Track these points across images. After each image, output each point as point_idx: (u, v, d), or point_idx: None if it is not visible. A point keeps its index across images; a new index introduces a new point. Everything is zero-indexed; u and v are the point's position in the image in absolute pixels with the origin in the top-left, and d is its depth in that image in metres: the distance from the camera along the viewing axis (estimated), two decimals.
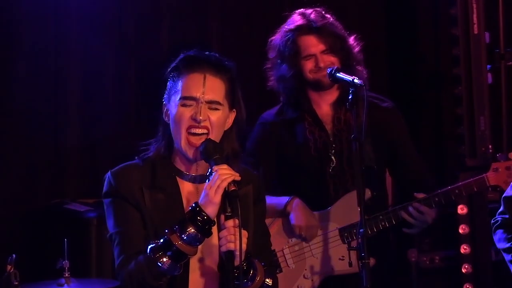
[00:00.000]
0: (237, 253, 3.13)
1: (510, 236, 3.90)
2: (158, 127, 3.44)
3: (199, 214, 3.16)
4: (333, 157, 4.49)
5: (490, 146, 5.69)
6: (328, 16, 4.51)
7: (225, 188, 3.16)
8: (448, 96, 6.13)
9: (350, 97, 4.04)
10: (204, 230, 3.18)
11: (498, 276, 5.29)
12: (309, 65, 4.45)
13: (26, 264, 4.45)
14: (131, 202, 3.31)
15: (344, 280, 4.41)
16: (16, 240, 5.75)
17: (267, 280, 3.39)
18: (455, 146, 5.94)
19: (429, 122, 6.48)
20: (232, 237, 3.15)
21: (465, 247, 5.45)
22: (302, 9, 4.53)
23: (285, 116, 4.57)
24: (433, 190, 4.45)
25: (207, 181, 3.21)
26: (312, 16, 4.47)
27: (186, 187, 3.37)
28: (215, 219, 3.21)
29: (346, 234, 4.42)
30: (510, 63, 5.80)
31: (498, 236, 3.96)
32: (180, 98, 3.30)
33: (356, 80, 4.13)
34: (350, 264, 4.26)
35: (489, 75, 5.73)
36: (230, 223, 3.16)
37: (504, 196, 3.98)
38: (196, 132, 3.29)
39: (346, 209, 4.36)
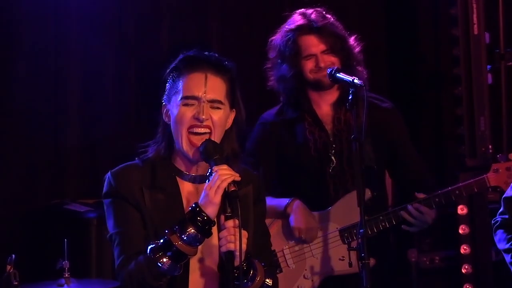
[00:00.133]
0: (237, 253, 3.13)
1: (510, 236, 3.90)
2: (157, 128, 3.43)
3: (199, 214, 3.16)
4: (333, 157, 4.48)
5: (490, 146, 5.69)
6: (329, 16, 4.50)
7: (225, 189, 3.16)
8: (448, 96, 6.13)
9: (350, 98, 4.04)
10: (204, 230, 3.17)
11: (498, 276, 5.29)
12: (309, 65, 4.45)
13: (26, 264, 4.45)
14: (131, 202, 3.30)
15: (344, 281, 4.41)
16: (16, 240, 5.75)
17: (267, 280, 3.38)
18: (455, 146, 5.94)
19: (429, 122, 6.48)
20: (232, 237, 3.15)
21: (465, 247, 5.45)
22: (303, 9, 4.53)
23: (285, 116, 4.56)
24: (433, 190, 4.45)
25: (207, 182, 3.21)
26: (313, 16, 4.47)
27: (186, 187, 3.36)
28: (215, 220, 3.20)
29: (346, 235, 4.42)
30: (510, 63, 5.80)
31: (499, 237, 3.96)
32: (181, 98, 3.30)
33: (356, 81, 4.13)
34: (350, 265, 4.26)
35: (489, 75, 5.73)
36: (230, 223, 3.16)
37: (504, 197, 3.98)
38: (198, 132, 3.28)
39: (347, 210, 4.36)
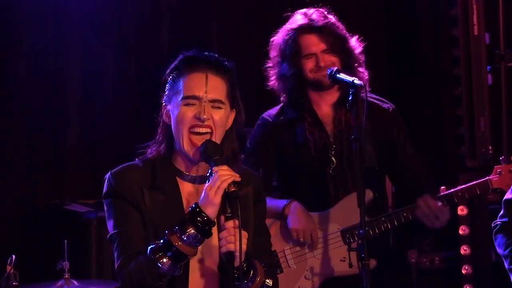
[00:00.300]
0: (237, 254, 3.12)
1: (509, 241, 3.90)
2: (157, 129, 3.43)
3: (199, 215, 3.16)
4: (333, 158, 4.48)
5: (490, 147, 5.69)
6: (330, 16, 4.50)
7: (225, 189, 3.15)
8: (448, 97, 6.13)
9: (350, 98, 4.03)
10: (204, 230, 3.17)
11: (498, 277, 5.29)
12: (309, 64, 4.44)
13: (26, 265, 4.45)
14: (131, 202, 3.30)
15: (345, 282, 4.40)
16: (16, 241, 5.75)
17: (268, 281, 3.38)
18: (455, 146, 5.94)
19: (429, 122, 6.48)
20: (232, 238, 3.14)
21: (465, 248, 5.45)
22: (304, 9, 4.53)
23: (285, 116, 4.55)
24: (431, 192, 4.44)
25: (207, 182, 3.20)
26: (314, 15, 4.46)
27: (186, 187, 3.36)
28: (215, 220, 3.20)
29: (348, 235, 4.41)
30: (510, 64, 5.80)
31: (498, 241, 3.95)
32: (182, 98, 3.30)
33: (356, 81, 4.13)
34: (350, 265, 4.25)
35: (489, 76, 5.73)
36: (230, 224, 3.16)
37: (505, 199, 3.97)
38: (200, 131, 3.28)
39: (348, 210, 4.35)
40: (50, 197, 5.91)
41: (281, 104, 4.59)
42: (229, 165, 3.23)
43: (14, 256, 4.14)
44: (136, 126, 6.17)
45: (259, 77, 4.77)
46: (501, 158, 4.45)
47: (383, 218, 4.40)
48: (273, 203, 4.38)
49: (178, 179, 3.36)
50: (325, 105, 4.54)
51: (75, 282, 4.57)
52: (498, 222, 3.98)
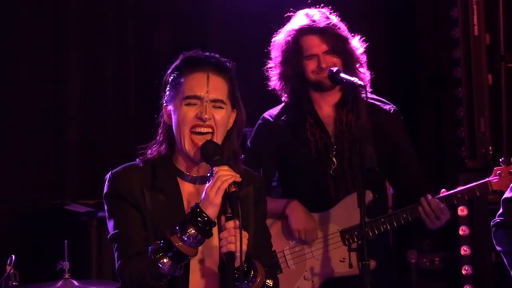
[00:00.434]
0: (238, 254, 3.12)
1: (508, 238, 3.90)
2: (157, 129, 3.43)
3: (199, 215, 3.16)
4: (334, 159, 4.47)
5: (490, 148, 5.69)
6: (332, 17, 4.50)
7: (225, 189, 3.15)
8: (448, 97, 6.13)
9: (350, 98, 4.03)
10: (205, 231, 3.17)
11: (498, 277, 5.30)
12: (311, 65, 4.44)
13: (26, 265, 4.45)
14: (132, 203, 3.30)
15: (344, 282, 4.40)
16: (16, 241, 5.75)
17: (268, 281, 3.38)
18: (455, 147, 5.94)
19: (430, 123, 6.48)
20: (232, 238, 3.14)
21: (465, 248, 5.45)
22: (306, 10, 4.53)
23: (286, 116, 4.55)
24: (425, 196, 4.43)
25: (207, 182, 3.20)
26: (316, 16, 4.46)
27: (186, 188, 3.36)
28: (216, 220, 3.20)
29: (347, 236, 4.40)
30: (510, 64, 5.80)
31: (497, 239, 3.95)
32: (183, 98, 3.29)
33: (356, 81, 4.13)
34: (351, 266, 4.25)
35: (489, 76, 5.73)
36: (230, 224, 3.16)
37: (504, 198, 3.98)
38: (201, 131, 3.28)
39: (348, 211, 4.35)
40: (50, 197, 5.91)
41: (283, 104, 4.59)
42: (229, 166, 3.23)
43: (14, 256, 4.14)
44: (136, 127, 6.17)
45: (259, 78, 4.77)
46: (500, 159, 4.45)
47: (382, 219, 4.40)
48: (274, 203, 4.38)
49: (178, 179, 3.36)
50: (326, 105, 4.54)
51: (75, 282, 4.57)
52: (497, 220, 3.98)
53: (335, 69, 4.33)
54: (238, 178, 3.18)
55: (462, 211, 5.35)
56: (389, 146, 4.54)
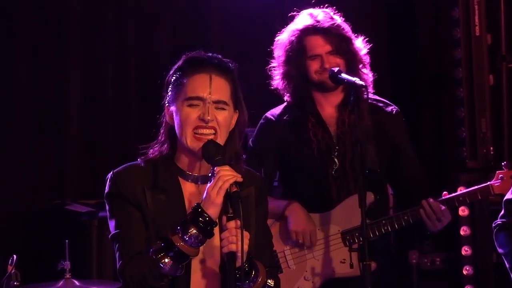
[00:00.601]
0: (239, 254, 3.12)
1: (509, 240, 3.90)
2: (159, 129, 3.42)
3: (200, 215, 3.15)
4: (336, 159, 4.47)
5: (491, 148, 5.69)
6: (336, 17, 4.49)
7: (227, 189, 3.15)
8: (449, 98, 6.12)
9: (351, 99, 4.02)
10: (206, 231, 3.17)
11: (499, 278, 5.29)
12: (314, 65, 4.44)
13: (27, 265, 4.45)
14: (133, 202, 3.29)
15: (345, 283, 4.39)
16: (17, 241, 5.75)
17: (269, 281, 3.38)
18: (456, 147, 5.94)
19: (430, 123, 6.48)
20: (233, 238, 3.14)
21: (466, 249, 5.45)
22: (310, 10, 4.52)
23: (289, 116, 4.54)
24: (426, 197, 4.42)
25: (209, 182, 3.20)
26: (320, 16, 4.45)
27: (188, 188, 3.35)
28: (217, 220, 3.20)
29: (348, 237, 4.40)
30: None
31: (499, 240, 3.96)
32: (186, 99, 3.29)
33: (357, 81, 4.13)
34: (351, 266, 4.25)
35: (491, 76, 5.73)
36: (231, 224, 3.15)
37: (505, 199, 3.98)
38: (204, 133, 3.27)
39: (349, 212, 4.35)
40: (51, 197, 5.91)
41: (285, 104, 4.58)
42: (231, 166, 3.23)
43: (15, 256, 4.14)
44: (136, 126, 6.17)
45: (259, 79, 4.76)
46: (503, 163, 4.45)
47: (383, 221, 4.40)
48: (274, 203, 4.37)
49: (180, 179, 3.35)
50: (329, 106, 4.53)
51: (76, 282, 4.57)
52: (498, 222, 3.98)
53: (336, 69, 4.33)
54: (239, 178, 3.18)
55: (463, 211, 5.35)
56: (390, 147, 4.53)
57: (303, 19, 4.48)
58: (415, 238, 5.65)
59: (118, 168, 3.37)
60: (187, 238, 3.15)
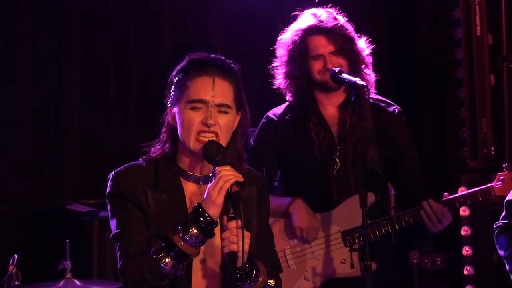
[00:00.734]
0: (240, 254, 3.12)
1: (509, 242, 3.89)
2: (160, 128, 3.42)
3: (201, 215, 3.15)
4: (337, 160, 4.47)
5: (492, 148, 5.69)
6: (340, 17, 4.49)
7: (228, 189, 3.15)
8: (450, 98, 6.12)
9: (352, 99, 4.02)
10: (207, 231, 3.17)
11: (500, 278, 5.29)
12: (317, 65, 4.43)
13: (28, 265, 4.45)
14: (134, 202, 3.29)
15: (345, 284, 4.39)
16: (18, 241, 5.75)
17: (270, 281, 3.37)
18: (457, 147, 5.94)
19: (431, 123, 6.47)
20: (234, 238, 3.14)
21: (467, 249, 5.45)
22: (313, 9, 4.52)
23: (291, 116, 4.54)
24: (426, 198, 4.42)
25: (210, 182, 3.20)
26: (323, 16, 4.45)
27: (189, 188, 3.35)
28: (218, 220, 3.19)
29: (348, 237, 4.40)
30: None
31: (500, 243, 3.95)
32: (189, 101, 3.28)
33: (358, 81, 4.13)
34: (352, 266, 4.25)
35: (492, 77, 5.73)
36: (232, 224, 3.15)
37: (507, 200, 3.98)
38: (206, 137, 3.25)
39: (349, 212, 4.35)
40: (52, 197, 5.91)
41: (287, 103, 4.58)
42: (233, 166, 3.22)
43: (16, 256, 4.14)
44: (136, 127, 6.17)
45: (259, 79, 4.76)
46: (504, 165, 4.45)
47: (384, 221, 4.40)
48: (277, 201, 4.37)
49: (182, 179, 3.35)
50: (331, 106, 4.53)
51: (77, 282, 4.57)
52: (499, 224, 3.98)
53: (337, 69, 4.33)
54: (240, 178, 3.18)
55: (464, 211, 5.35)
56: (391, 147, 4.53)
57: (307, 19, 4.48)
58: (416, 238, 5.64)
59: (120, 168, 3.36)
60: (187, 238, 3.15)
